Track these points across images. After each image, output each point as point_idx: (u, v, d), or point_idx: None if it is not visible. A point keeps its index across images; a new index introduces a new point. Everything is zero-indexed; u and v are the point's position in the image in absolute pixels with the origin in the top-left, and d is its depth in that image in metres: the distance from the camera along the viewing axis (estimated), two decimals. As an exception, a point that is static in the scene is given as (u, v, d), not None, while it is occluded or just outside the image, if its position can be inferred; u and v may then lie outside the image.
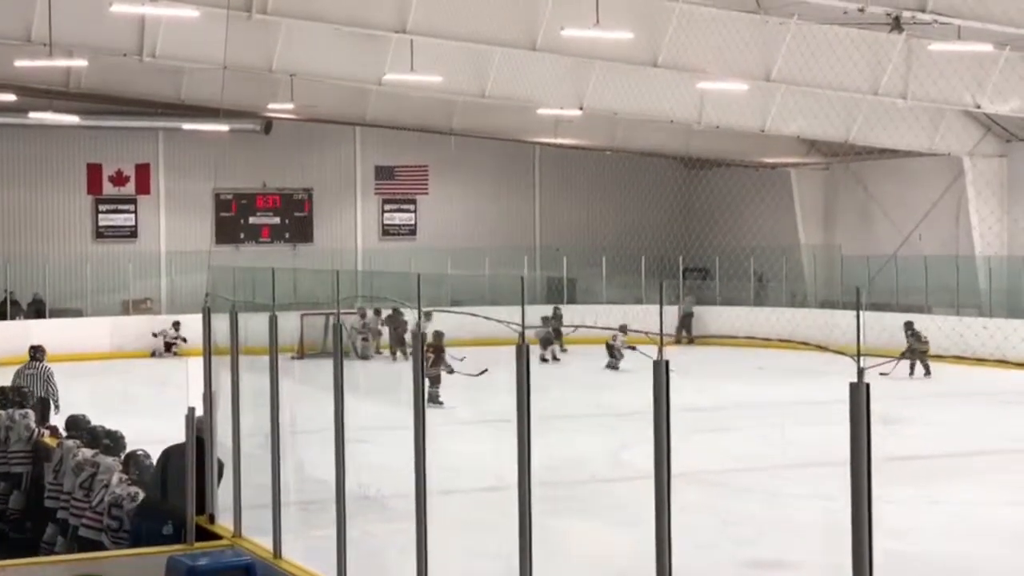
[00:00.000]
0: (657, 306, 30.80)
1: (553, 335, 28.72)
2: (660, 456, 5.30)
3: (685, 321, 33.56)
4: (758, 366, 25.28)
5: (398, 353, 28.64)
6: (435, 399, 18.95)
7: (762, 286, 35.52)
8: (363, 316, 29.52)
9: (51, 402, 17.19)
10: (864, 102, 27.04)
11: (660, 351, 5.33)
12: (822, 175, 36.00)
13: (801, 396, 22.16)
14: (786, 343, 26.27)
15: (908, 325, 25.63)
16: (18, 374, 17.31)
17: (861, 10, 19.46)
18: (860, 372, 4.42)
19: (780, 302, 34.10)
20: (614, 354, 26.69)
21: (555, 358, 28.65)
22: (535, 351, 21.49)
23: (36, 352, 18.05)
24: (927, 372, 25.13)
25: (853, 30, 23.30)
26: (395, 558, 9.42)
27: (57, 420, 16.62)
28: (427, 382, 10.31)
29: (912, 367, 24.97)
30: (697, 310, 33.90)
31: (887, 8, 20.17)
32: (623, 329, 25.94)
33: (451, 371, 20.19)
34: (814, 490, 13.96)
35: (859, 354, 4.51)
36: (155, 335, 31.07)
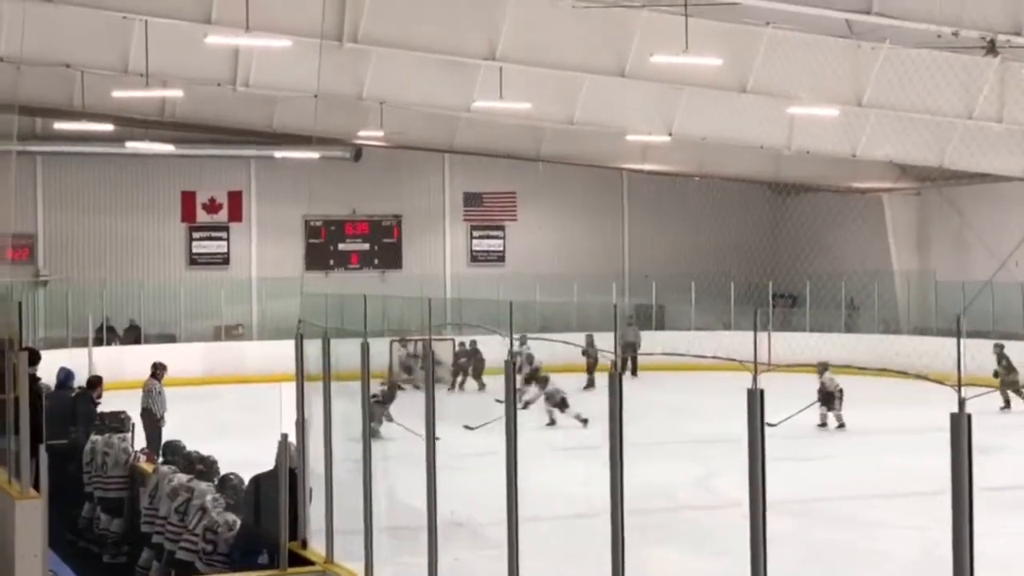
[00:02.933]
0: (746, 332, 30.31)
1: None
2: (755, 485, 5.25)
3: (628, 350, 29.94)
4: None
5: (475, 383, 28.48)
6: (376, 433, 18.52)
7: (857, 312, 34.99)
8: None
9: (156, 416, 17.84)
10: (958, 126, 26.63)
11: (755, 379, 5.29)
12: (915, 200, 35.53)
13: (892, 425, 21.86)
14: (883, 371, 25.73)
15: (997, 347, 24.46)
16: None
17: (955, 34, 19.19)
18: (961, 403, 4.35)
19: (872, 329, 33.61)
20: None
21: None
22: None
23: (154, 370, 18.63)
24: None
25: (947, 53, 22.95)
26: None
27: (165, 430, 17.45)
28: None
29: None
30: (782, 336, 28.86)
31: (981, 32, 19.88)
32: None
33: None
34: (905, 520, 13.76)
35: (960, 384, 4.43)
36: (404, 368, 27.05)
